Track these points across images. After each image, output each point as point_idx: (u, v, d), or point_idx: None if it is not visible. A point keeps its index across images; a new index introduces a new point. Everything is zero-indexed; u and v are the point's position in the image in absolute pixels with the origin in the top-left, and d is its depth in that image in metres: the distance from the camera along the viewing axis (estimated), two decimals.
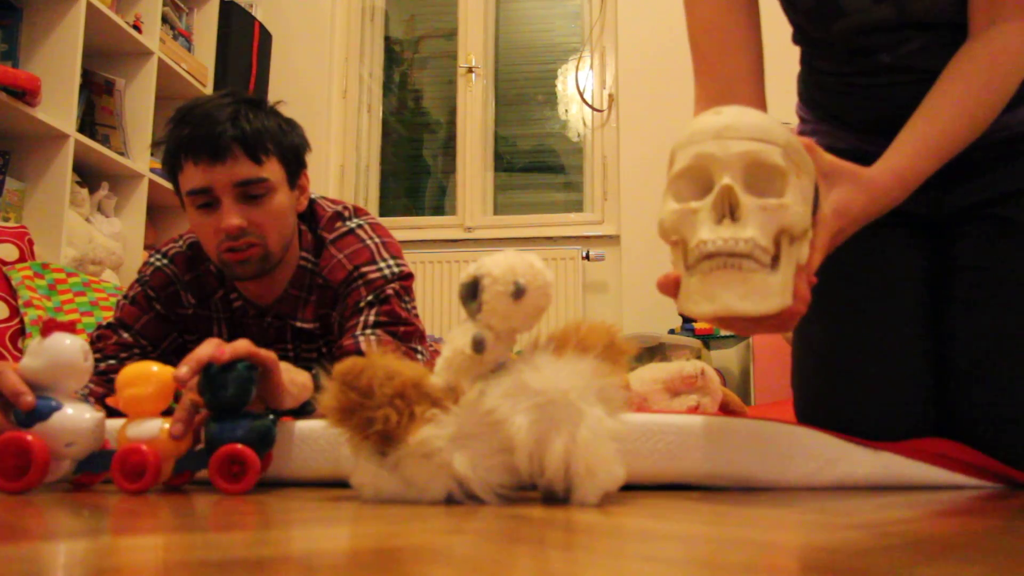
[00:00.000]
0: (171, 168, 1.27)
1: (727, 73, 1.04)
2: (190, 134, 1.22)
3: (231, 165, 1.21)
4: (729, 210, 0.79)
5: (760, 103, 1.04)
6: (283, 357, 1.20)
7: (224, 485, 0.84)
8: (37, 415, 0.82)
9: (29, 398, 0.82)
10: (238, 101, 1.26)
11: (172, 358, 1.33)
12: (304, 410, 1.11)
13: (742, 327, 0.87)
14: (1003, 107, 0.97)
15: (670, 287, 0.84)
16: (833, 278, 0.94)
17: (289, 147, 1.30)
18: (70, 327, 0.86)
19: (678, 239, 0.83)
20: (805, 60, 1.20)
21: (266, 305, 1.35)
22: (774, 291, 0.79)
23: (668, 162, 0.86)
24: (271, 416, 0.91)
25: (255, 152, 1.23)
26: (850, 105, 1.13)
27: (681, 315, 0.88)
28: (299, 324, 1.35)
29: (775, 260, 0.80)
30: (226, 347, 0.91)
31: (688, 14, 1.08)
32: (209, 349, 0.90)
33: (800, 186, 0.82)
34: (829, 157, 0.90)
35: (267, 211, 1.25)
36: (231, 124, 1.22)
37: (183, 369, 0.87)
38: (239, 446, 0.85)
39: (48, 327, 0.85)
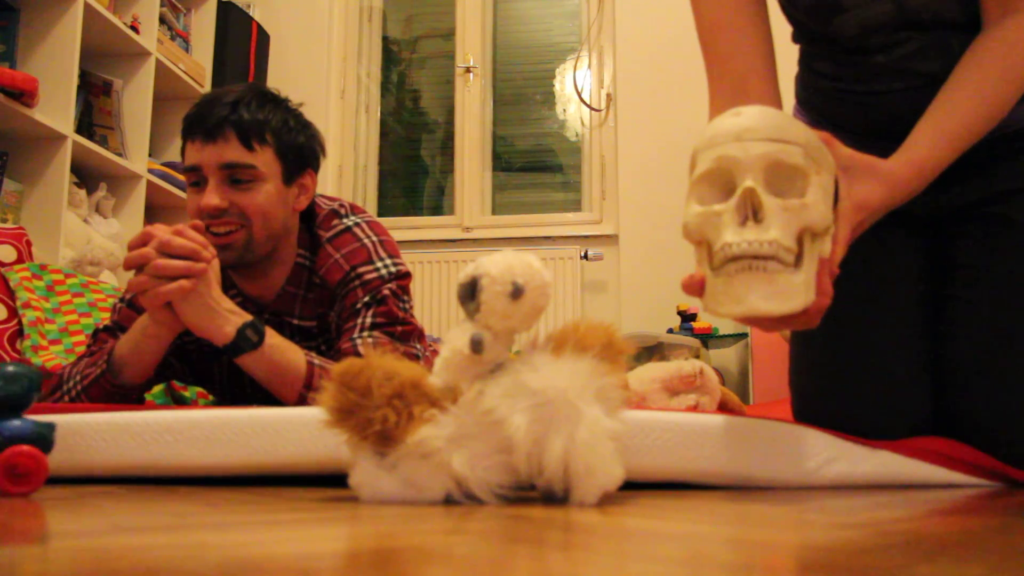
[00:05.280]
0: (182, 150, 1.32)
1: (739, 70, 1.04)
2: (192, 114, 1.28)
3: (221, 146, 1.25)
4: (752, 211, 0.80)
5: (774, 98, 1.05)
6: None
7: (9, 487, 0.80)
8: None
9: None
10: (249, 91, 1.30)
11: (171, 359, 1.33)
12: (238, 347, 1.19)
13: (768, 325, 0.88)
14: (1019, 97, 0.98)
15: (696, 287, 0.85)
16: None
17: (291, 144, 1.32)
18: None
19: (702, 239, 0.84)
20: (803, 62, 1.20)
21: (264, 303, 1.35)
22: (798, 290, 0.80)
23: (689, 165, 0.87)
24: (52, 423, 0.88)
25: (247, 138, 1.26)
26: (845, 112, 1.14)
27: (708, 313, 0.91)
28: (297, 322, 1.35)
29: (798, 258, 0.81)
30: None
31: (696, 14, 1.08)
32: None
33: (821, 183, 0.83)
34: (847, 150, 0.91)
35: (252, 198, 1.27)
36: (230, 108, 1.26)
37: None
38: (26, 447, 0.81)
39: None
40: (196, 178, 1.27)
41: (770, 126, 0.82)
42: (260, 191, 1.27)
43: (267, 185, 1.28)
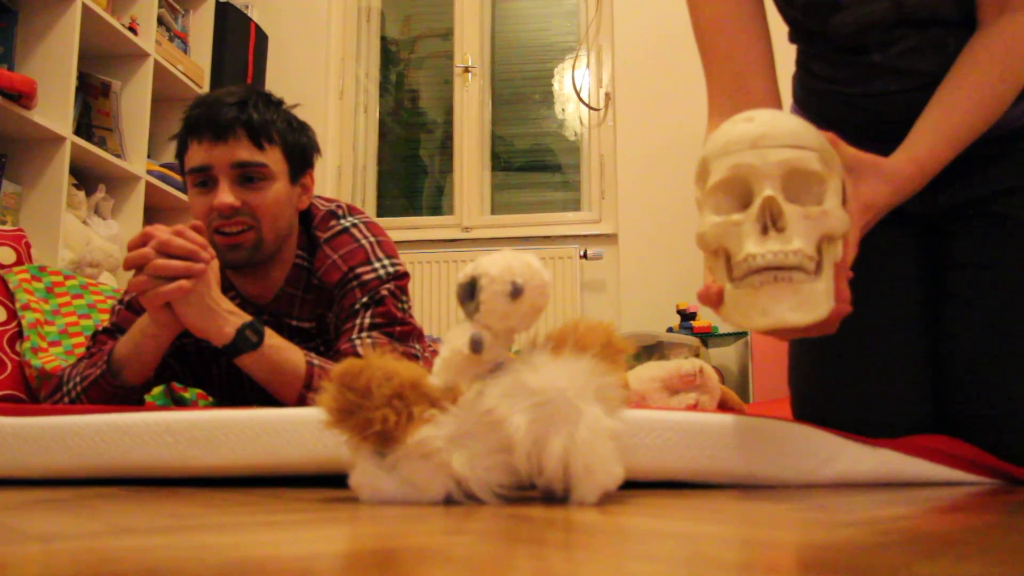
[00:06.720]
0: (180, 152, 1.32)
1: (738, 68, 1.04)
2: (197, 115, 1.27)
3: (232, 146, 1.25)
4: (771, 220, 0.79)
5: (774, 96, 1.05)
6: None
7: None
8: None
9: None
10: (252, 92, 1.31)
11: (170, 360, 1.33)
12: (237, 347, 1.19)
13: (791, 335, 0.88)
14: (1017, 95, 0.98)
15: (713, 299, 0.84)
16: None
17: (295, 144, 1.33)
18: None
19: (719, 249, 0.83)
20: (800, 62, 1.20)
21: (263, 304, 1.35)
22: (821, 298, 0.80)
23: (700, 172, 0.85)
24: None
25: (257, 137, 1.27)
26: (842, 115, 1.14)
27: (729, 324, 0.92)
28: (295, 323, 1.35)
29: (818, 265, 0.81)
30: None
31: (693, 12, 1.08)
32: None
33: (835, 187, 0.83)
34: (851, 150, 0.91)
35: (263, 197, 1.28)
36: (237, 108, 1.27)
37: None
38: None
39: None
40: (203, 178, 1.27)
41: (785, 132, 0.81)
42: (270, 190, 1.28)
43: (277, 184, 1.29)
